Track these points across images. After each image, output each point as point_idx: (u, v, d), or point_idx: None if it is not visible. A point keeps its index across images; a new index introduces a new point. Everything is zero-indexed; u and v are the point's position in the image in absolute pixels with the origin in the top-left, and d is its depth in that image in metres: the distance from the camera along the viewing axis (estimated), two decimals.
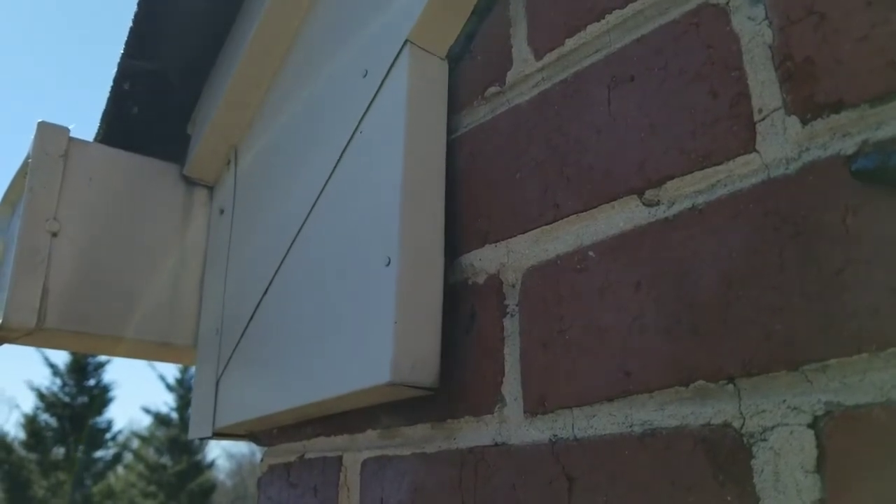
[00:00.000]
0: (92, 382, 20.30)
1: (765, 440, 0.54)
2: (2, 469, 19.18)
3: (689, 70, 0.65)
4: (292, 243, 0.98)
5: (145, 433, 21.49)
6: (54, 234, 1.04)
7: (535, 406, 0.71)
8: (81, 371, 20.05)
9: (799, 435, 0.52)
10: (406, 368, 0.76)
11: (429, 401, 0.82)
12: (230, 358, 1.07)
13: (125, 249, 1.12)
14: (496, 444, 0.74)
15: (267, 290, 1.02)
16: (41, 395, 19.95)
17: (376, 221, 0.83)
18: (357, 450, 0.93)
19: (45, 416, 19.96)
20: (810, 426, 0.52)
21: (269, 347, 0.99)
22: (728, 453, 0.56)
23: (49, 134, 1.07)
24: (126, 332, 1.09)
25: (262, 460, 1.13)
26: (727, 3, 0.63)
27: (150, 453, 20.83)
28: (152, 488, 19.39)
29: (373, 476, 0.88)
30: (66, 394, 20.14)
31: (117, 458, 21.15)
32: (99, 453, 20.70)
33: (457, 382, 0.80)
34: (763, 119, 0.58)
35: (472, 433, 0.77)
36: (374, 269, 0.81)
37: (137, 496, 19.41)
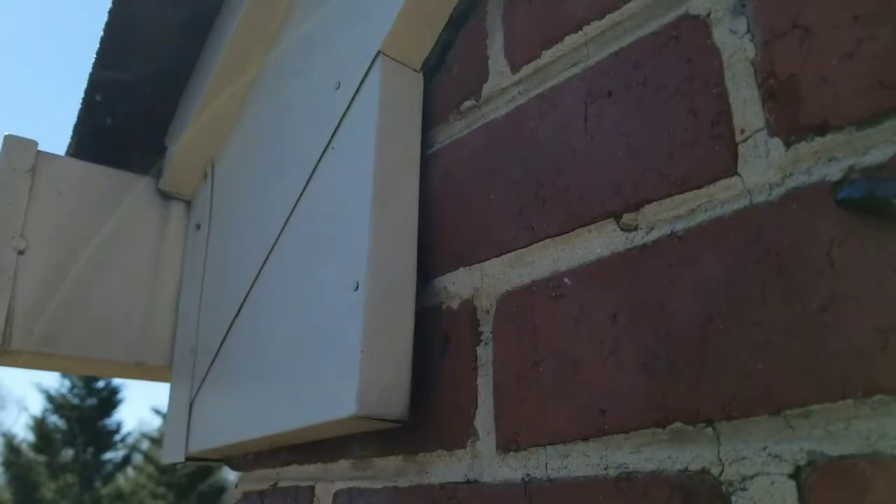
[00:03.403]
0: (101, 384, 20.36)
1: (744, 489, 0.50)
2: (10, 471, 19.26)
3: (668, 86, 0.60)
4: (264, 263, 0.94)
5: (155, 434, 21.51)
6: (21, 252, 1.01)
7: (508, 442, 0.67)
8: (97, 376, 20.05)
9: (780, 486, 0.48)
10: (373, 400, 0.72)
11: (401, 431, 0.78)
12: (203, 379, 1.03)
13: (97, 267, 1.08)
14: (468, 482, 0.70)
15: (239, 310, 0.98)
16: (50, 397, 20.02)
17: (345, 243, 0.79)
18: (329, 480, 0.89)
19: (53, 418, 20.04)
20: (792, 476, 0.47)
21: (241, 371, 0.95)
22: (706, 503, 0.51)
23: (16, 148, 1.03)
24: (97, 352, 1.05)
25: (236, 486, 1.09)
26: (708, 14, 0.59)
27: (160, 455, 20.84)
28: (162, 490, 19.40)
29: None
30: (75, 395, 20.21)
31: (127, 460, 21.19)
32: (108, 455, 20.76)
33: (429, 413, 0.76)
34: (745, 140, 0.54)
35: (444, 468, 0.73)
36: (342, 293, 0.77)
37: (147, 498, 19.43)
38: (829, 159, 0.49)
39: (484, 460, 0.69)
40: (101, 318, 1.07)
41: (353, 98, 0.84)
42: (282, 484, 0.99)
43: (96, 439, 20.21)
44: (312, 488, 0.91)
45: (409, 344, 0.76)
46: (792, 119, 0.51)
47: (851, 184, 0.47)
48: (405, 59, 0.83)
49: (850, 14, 0.49)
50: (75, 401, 20.12)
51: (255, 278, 0.95)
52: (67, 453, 19.75)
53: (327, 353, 0.77)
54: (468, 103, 0.81)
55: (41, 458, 19.45)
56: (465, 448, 0.71)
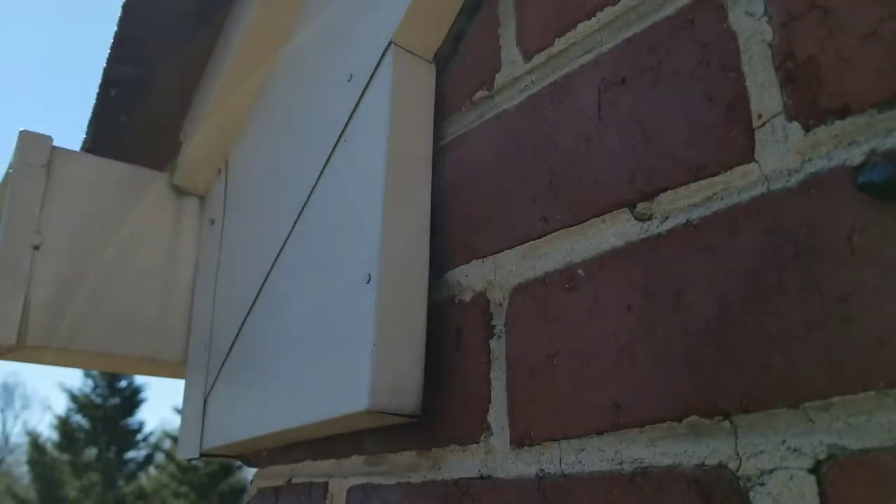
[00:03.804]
0: (123, 384, 20.53)
1: (762, 484, 0.48)
2: (35, 469, 19.48)
3: (683, 71, 0.59)
4: (277, 257, 0.94)
5: (176, 434, 21.65)
6: (36, 248, 1.01)
7: (522, 437, 0.66)
8: (113, 373, 20.26)
9: (799, 480, 0.46)
10: (385, 395, 0.71)
11: (414, 427, 0.77)
12: (218, 375, 1.03)
13: (111, 262, 1.08)
14: (482, 477, 0.69)
15: (253, 305, 0.97)
16: (73, 397, 20.21)
17: (357, 236, 0.78)
18: (343, 476, 0.88)
19: (77, 418, 20.23)
20: (811, 471, 0.46)
21: (254, 366, 0.95)
22: (723, 498, 0.50)
23: (31, 143, 1.04)
24: (112, 347, 1.05)
25: (251, 482, 1.09)
26: None
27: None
28: (184, 489, 19.51)
29: None
30: (98, 395, 20.39)
31: (149, 459, 21.35)
32: (131, 454, 20.92)
33: (442, 407, 0.75)
34: (763, 125, 0.53)
35: (458, 463, 0.72)
36: (354, 286, 0.76)
37: (169, 496, 19.56)
38: (849, 143, 0.47)
39: (498, 455, 0.68)
40: (115, 314, 1.07)
41: (364, 90, 0.83)
42: (296, 480, 0.98)
43: (119, 438, 20.37)
44: (326, 484, 0.90)
45: (421, 337, 0.75)
46: (811, 102, 0.50)
47: (873, 167, 0.45)
48: (417, 49, 0.82)
49: None
50: (98, 400, 20.29)
51: (269, 272, 0.95)
52: (91, 452, 19.93)
53: (339, 346, 0.76)
54: (481, 93, 0.80)
55: (65, 457, 19.65)
56: (478, 443, 0.70)
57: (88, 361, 1.11)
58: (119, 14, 1.04)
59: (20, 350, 1.00)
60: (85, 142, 1.15)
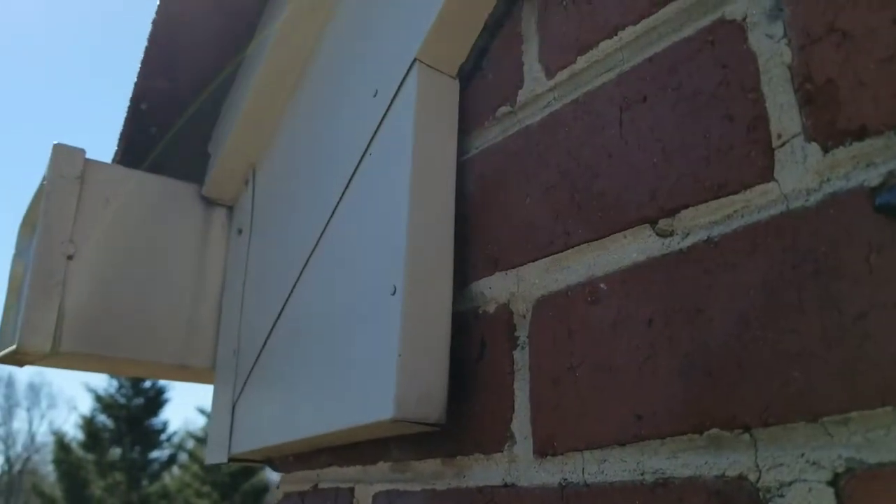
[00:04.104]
0: (147, 384, 20.72)
1: (782, 496, 0.49)
2: (61, 469, 19.71)
3: (703, 91, 0.60)
4: (304, 267, 0.96)
5: (200, 434, 21.81)
6: (70, 257, 1.04)
7: (545, 446, 0.67)
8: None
9: (818, 493, 0.47)
10: (411, 404, 0.72)
11: (438, 435, 0.79)
12: (246, 381, 1.05)
13: (142, 271, 1.11)
14: (505, 485, 0.70)
15: (280, 313, 0.99)
16: (98, 397, 20.44)
17: (382, 247, 0.80)
18: (369, 482, 0.90)
19: (102, 418, 20.46)
20: (830, 483, 0.47)
21: (282, 373, 0.97)
22: None
23: (65, 156, 1.06)
24: (143, 354, 1.08)
25: (278, 487, 1.11)
26: (744, 18, 0.58)
27: (204, 454, 21.06)
28: (206, 488, 19.66)
29: None
30: (123, 395, 20.60)
31: (172, 459, 21.53)
32: (154, 454, 21.11)
33: (466, 416, 0.76)
34: (782, 145, 0.54)
35: (482, 471, 0.74)
36: (379, 297, 0.78)
37: (192, 496, 19.71)
38: (867, 164, 0.48)
39: (521, 464, 0.70)
40: (146, 321, 1.10)
41: (390, 105, 0.85)
42: (322, 485, 1.00)
43: (143, 438, 20.57)
44: (352, 490, 0.92)
45: (446, 348, 0.77)
46: (829, 124, 0.51)
47: (891, 189, 0.46)
48: (441, 65, 0.84)
49: (888, 17, 0.48)
50: (123, 401, 20.50)
51: (296, 282, 0.97)
52: (115, 452, 20.14)
53: (365, 356, 0.78)
54: (504, 109, 0.81)
55: (90, 457, 19.86)
56: (502, 452, 0.72)
57: (119, 368, 1.14)
58: (150, 30, 1.07)
59: (54, 357, 1.02)
60: (116, 154, 1.18)
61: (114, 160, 1.19)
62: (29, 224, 1.14)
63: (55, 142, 1.07)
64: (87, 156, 1.09)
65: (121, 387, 20.57)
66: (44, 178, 1.06)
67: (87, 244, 1.06)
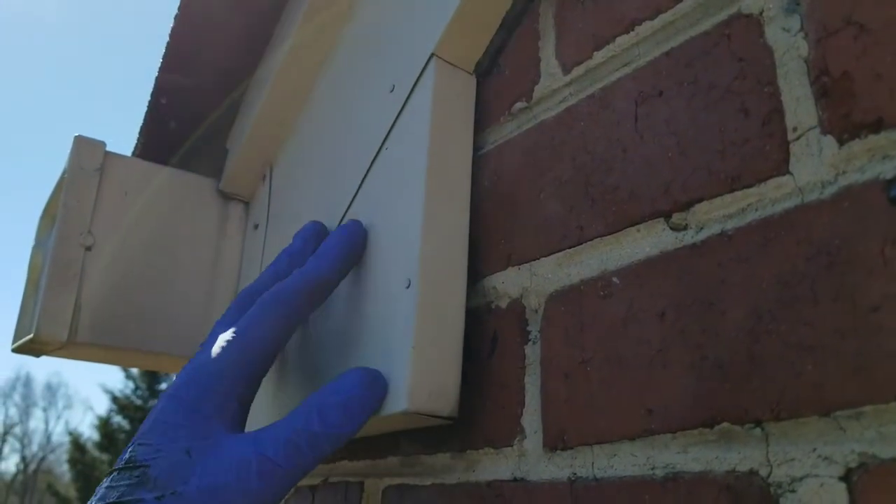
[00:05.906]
0: (163, 386, 20.83)
1: (793, 491, 0.49)
2: (76, 469, 19.86)
3: (719, 85, 0.60)
4: None
5: None
6: (88, 249, 1.05)
7: (555, 441, 0.67)
8: (153, 374, 20.58)
9: (830, 488, 0.47)
10: (423, 397, 0.72)
11: (449, 429, 0.79)
12: None
13: (160, 263, 1.12)
14: (515, 480, 0.70)
15: None
16: (114, 398, 20.57)
17: (398, 242, 0.80)
18: (378, 476, 0.90)
19: (117, 419, 20.59)
20: (842, 479, 0.47)
21: (294, 366, 0.97)
22: None
23: (85, 148, 1.08)
24: (158, 346, 1.09)
25: None
26: (761, 13, 0.58)
27: None
28: None
29: None
30: (138, 397, 20.72)
31: None
32: None
33: (477, 411, 0.76)
34: (797, 138, 0.54)
35: (492, 465, 0.73)
36: (394, 290, 0.78)
37: None
38: (883, 157, 0.48)
39: (531, 458, 0.69)
40: (162, 314, 1.10)
41: (406, 100, 0.85)
42: (332, 479, 1.00)
43: None
44: (362, 484, 0.92)
45: (459, 341, 0.77)
46: (845, 117, 0.51)
47: None
48: (458, 61, 0.84)
49: None
50: (138, 402, 20.61)
51: None
52: None
53: (379, 348, 0.78)
54: (519, 105, 0.81)
55: (105, 457, 19.98)
56: (512, 446, 0.72)
57: (134, 360, 1.15)
58: (171, 25, 1.08)
59: (70, 347, 1.03)
60: (136, 147, 1.19)
61: (134, 153, 1.20)
62: (49, 216, 1.15)
63: (76, 134, 1.08)
64: (108, 148, 1.10)
65: (136, 388, 20.70)
66: (64, 170, 1.07)
67: (106, 236, 1.07)
